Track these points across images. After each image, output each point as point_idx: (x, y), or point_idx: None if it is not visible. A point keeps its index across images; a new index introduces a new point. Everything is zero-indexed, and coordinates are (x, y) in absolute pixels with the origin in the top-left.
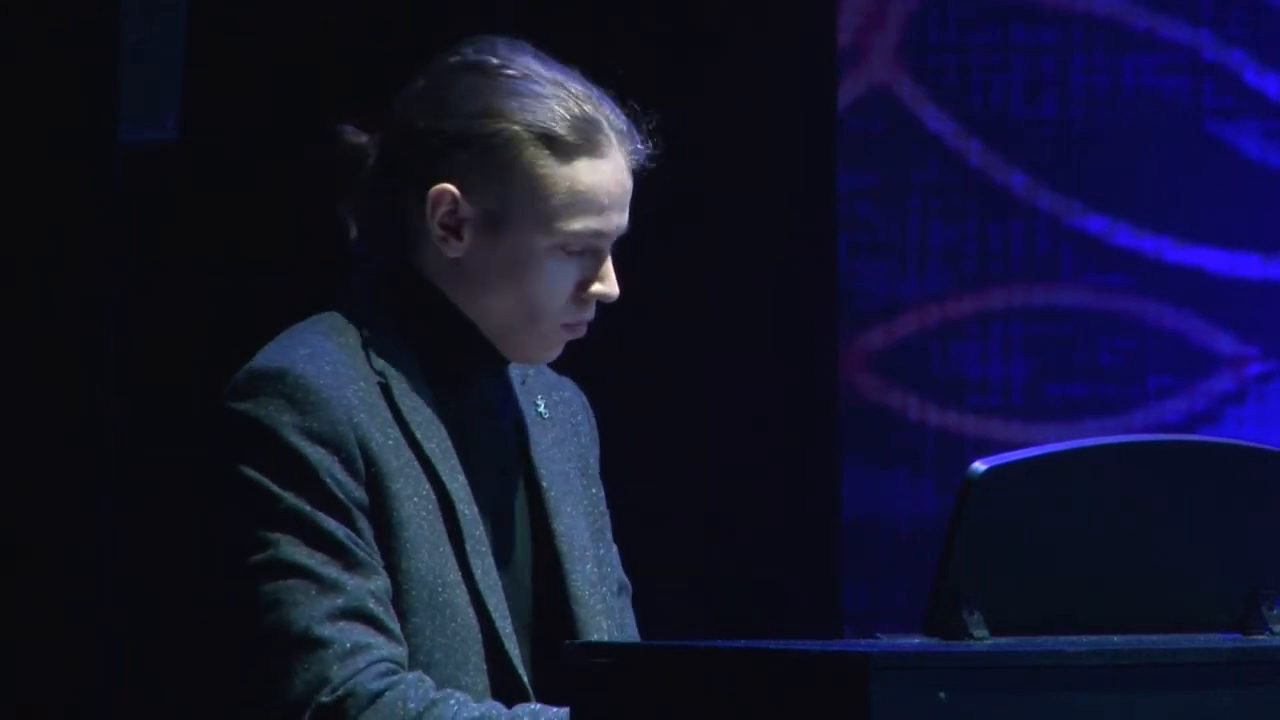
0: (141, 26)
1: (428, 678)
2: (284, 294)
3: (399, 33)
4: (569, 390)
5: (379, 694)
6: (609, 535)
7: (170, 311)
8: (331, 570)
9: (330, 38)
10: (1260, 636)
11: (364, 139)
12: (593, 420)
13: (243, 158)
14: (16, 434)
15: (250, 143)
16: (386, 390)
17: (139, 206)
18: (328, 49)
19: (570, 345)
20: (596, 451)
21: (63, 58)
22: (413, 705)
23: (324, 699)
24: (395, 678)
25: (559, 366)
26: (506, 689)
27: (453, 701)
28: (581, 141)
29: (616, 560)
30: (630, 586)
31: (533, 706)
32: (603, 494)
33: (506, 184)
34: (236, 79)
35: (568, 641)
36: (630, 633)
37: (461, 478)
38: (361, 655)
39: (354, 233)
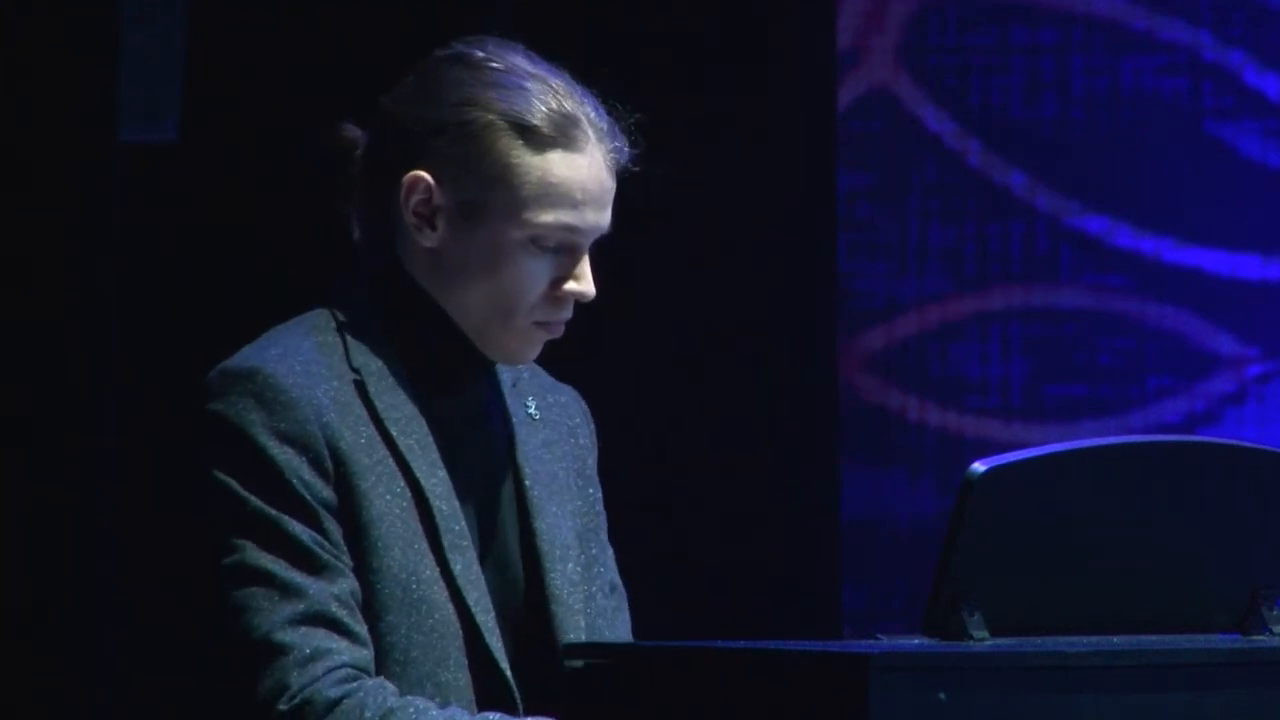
0: (141, 28)
1: (389, 684)
2: (283, 293)
3: (399, 33)
4: (566, 395)
5: (336, 701)
6: (603, 536)
7: (170, 311)
8: (295, 575)
9: (330, 38)
10: (1260, 637)
11: (357, 134)
12: (592, 425)
13: (242, 158)
14: (16, 433)
15: (250, 143)
16: (362, 388)
17: (139, 206)
18: (327, 49)
19: (570, 344)
20: (595, 455)
21: (63, 60)
22: (369, 713)
23: (281, 707)
24: (354, 684)
25: (558, 366)
26: (489, 684)
27: (411, 710)
28: (557, 134)
29: (611, 562)
30: (624, 590)
31: (492, 717)
32: (600, 495)
33: (479, 172)
34: (236, 79)
35: (566, 642)
36: (621, 635)
37: (441, 474)
38: (321, 662)
39: (354, 231)
